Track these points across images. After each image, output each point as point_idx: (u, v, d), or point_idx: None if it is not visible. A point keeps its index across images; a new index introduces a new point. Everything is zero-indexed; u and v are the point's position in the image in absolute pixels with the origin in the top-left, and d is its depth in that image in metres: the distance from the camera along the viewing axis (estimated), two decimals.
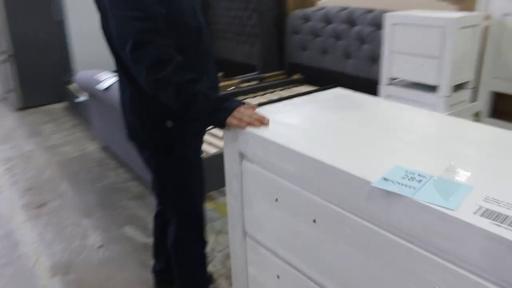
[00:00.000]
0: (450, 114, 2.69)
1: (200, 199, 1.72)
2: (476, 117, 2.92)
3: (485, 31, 2.80)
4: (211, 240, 2.27)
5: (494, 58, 2.81)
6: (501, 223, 0.70)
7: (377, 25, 3.37)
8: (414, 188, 0.80)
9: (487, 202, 0.76)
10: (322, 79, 3.78)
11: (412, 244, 0.80)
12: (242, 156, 1.16)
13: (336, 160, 0.92)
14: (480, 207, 0.74)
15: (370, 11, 3.44)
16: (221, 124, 1.20)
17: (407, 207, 0.79)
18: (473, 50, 2.81)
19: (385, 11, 3.34)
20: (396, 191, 0.80)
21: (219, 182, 2.59)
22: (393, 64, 2.96)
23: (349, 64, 3.59)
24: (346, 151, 0.98)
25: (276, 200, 1.08)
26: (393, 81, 3.09)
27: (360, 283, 0.93)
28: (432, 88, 2.84)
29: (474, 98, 2.94)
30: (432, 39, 2.71)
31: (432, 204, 0.76)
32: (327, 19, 3.68)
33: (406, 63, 2.89)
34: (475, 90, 2.92)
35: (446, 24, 2.60)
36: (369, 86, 3.42)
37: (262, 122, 1.14)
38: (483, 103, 2.92)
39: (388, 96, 3.05)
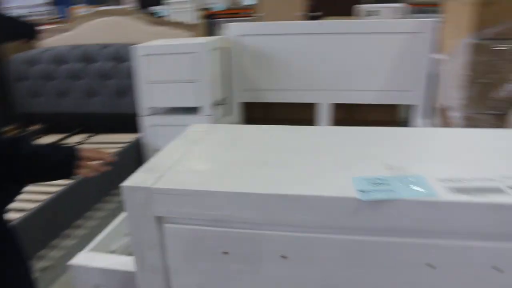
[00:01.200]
0: None
1: None
2: None
3: (227, 52, 3.12)
4: None
5: (239, 74, 3.16)
6: (470, 193, 0.85)
7: (118, 58, 3.29)
8: (393, 191, 0.87)
9: (444, 181, 0.90)
10: (66, 125, 3.45)
11: (410, 238, 0.88)
12: (160, 220, 0.98)
13: (295, 188, 0.91)
14: (448, 188, 0.87)
15: (105, 46, 3.32)
16: (69, 176, 1.06)
17: (397, 208, 0.85)
18: (221, 69, 3.10)
19: (123, 45, 3.31)
20: (386, 198, 0.85)
21: None
22: (151, 94, 2.97)
23: (95, 103, 3.38)
24: (286, 177, 0.97)
25: (225, 253, 0.97)
26: (154, 111, 3.10)
27: None
28: (194, 110, 2.99)
29: (230, 112, 3.24)
30: (186, 65, 2.86)
31: (420, 197, 0.85)
32: (59, 60, 3.36)
33: (165, 91, 2.95)
34: (230, 105, 3.22)
35: (197, 49, 2.78)
36: (121, 120, 3.33)
37: (107, 159, 1.10)
38: (237, 114, 3.25)
39: (153, 126, 3.04)
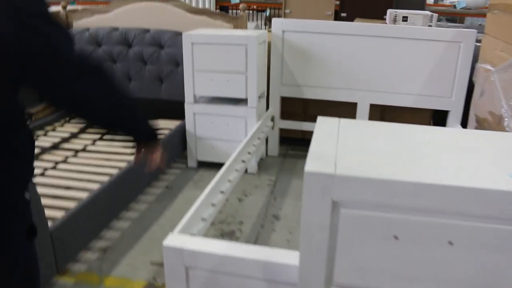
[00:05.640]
0: (259, 121, 2.98)
1: None
2: (272, 121, 3.32)
3: (269, 46, 3.20)
4: None
5: (278, 68, 3.24)
6: None
7: (158, 45, 3.33)
8: None
9: None
10: None
11: None
12: (336, 204, 1.08)
13: (467, 181, 1.02)
14: None
15: (146, 31, 3.35)
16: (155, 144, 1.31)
17: None
18: (264, 63, 3.18)
19: (163, 31, 3.34)
20: None
21: None
22: (197, 82, 3.03)
23: (133, 87, 3.41)
24: (449, 171, 1.08)
25: (395, 237, 1.08)
26: (198, 99, 3.16)
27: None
28: (237, 101, 3.07)
29: (267, 105, 3.33)
30: (235, 56, 2.92)
31: None
32: (97, 41, 3.37)
33: (211, 80, 3.02)
34: (267, 98, 3.31)
35: (247, 41, 2.86)
36: (158, 106, 3.37)
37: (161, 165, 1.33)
38: (275, 108, 3.34)
39: (195, 114, 3.10)
